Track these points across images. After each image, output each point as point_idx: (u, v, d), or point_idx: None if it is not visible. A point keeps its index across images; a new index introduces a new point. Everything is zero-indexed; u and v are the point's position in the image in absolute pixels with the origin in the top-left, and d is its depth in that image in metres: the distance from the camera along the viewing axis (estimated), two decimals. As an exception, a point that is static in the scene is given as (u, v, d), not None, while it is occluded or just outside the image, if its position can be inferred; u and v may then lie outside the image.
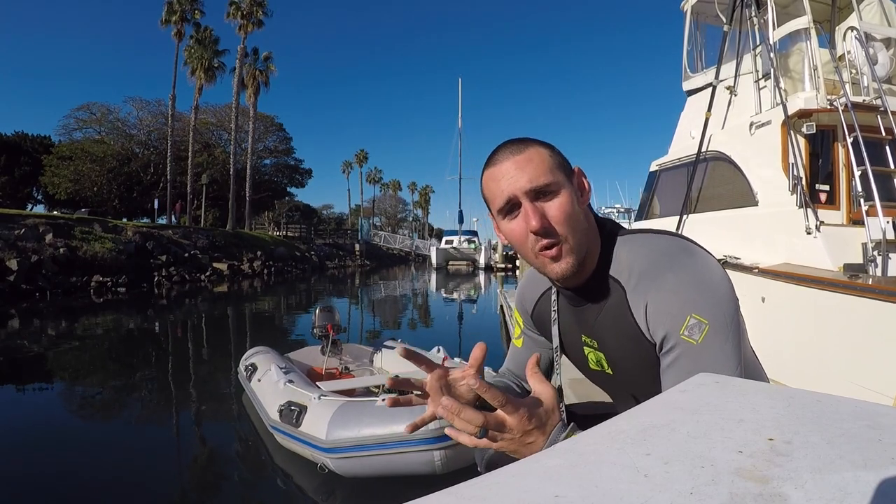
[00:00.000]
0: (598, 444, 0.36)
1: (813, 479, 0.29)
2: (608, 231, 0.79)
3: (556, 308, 0.86)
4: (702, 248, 0.75)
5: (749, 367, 0.78)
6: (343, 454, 2.26)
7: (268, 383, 2.87)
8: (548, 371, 0.96)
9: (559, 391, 0.90)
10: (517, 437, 0.66)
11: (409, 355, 0.76)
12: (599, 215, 0.83)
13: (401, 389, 0.75)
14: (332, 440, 2.26)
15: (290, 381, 2.75)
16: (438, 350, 3.24)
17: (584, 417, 0.94)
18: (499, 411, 0.65)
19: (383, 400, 2.33)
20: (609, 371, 0.83)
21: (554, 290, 0.86)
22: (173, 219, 23.97)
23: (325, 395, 2.52)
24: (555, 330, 0.87)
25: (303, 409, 2.44)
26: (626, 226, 0.87)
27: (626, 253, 0.75)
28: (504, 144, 0.76)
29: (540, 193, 0.72)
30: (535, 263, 0.77)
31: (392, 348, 3.69)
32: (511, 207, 0.74)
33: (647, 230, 0.80)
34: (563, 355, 0.91)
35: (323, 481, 2.39)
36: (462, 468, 2.21)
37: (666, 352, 0.70)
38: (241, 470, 2.80)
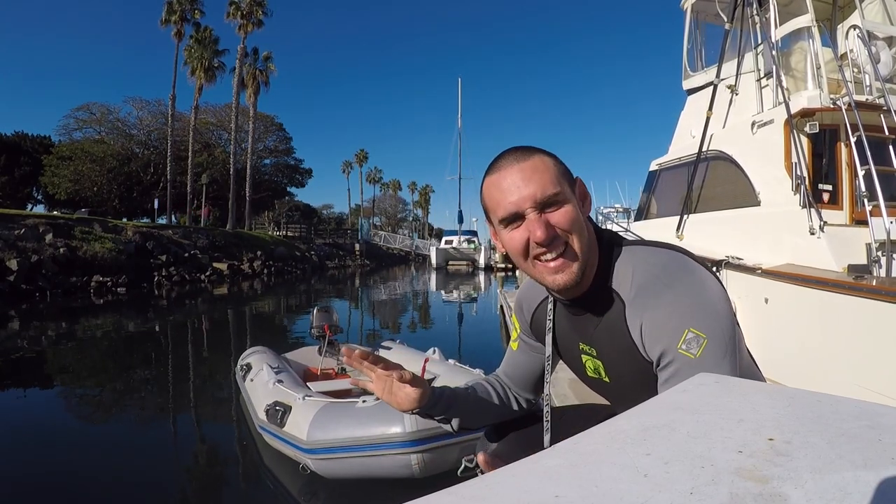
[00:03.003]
0: (598, 444, 0.36)
1: (813, 479, 0.29)
2: (607, 241, 0.78)
3: (551, 318, 0.86)
4: (700, 264, 0.75)
5: (746, 376, 0.78)
6: (323, 455, 2.24)
7: (259, 383, 2.86)
8: (541, 378, 0.97)
9: (546, 399, 0.90)
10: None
11: (359, 358, 0.85)
12: (600, 218, 0.83)
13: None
14: (313, 441, 2.24)
15: (280, 381, 2.73)
16: (434, 352, 3.23)
17: (581, 418, 0.94)
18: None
19: (364, 402, 2.30)
20: (607, 379, 0.83)
21: (550, 299, 0.86)
22: (178, 221, 23.93)
23: (310, 396, 2.50)
24: (548, 339, 0.86)
25: (287, 410, 2.43)
26: (625, 226, 0.87)
27: (627, 265, 0.75)
28: (508, 151, 0.76)
29: (547, 204, 0.71)
30: (533, 273, 0.76)
31: (389, 349, 3.69)
32: (514, 218, 0.73)
33: (648, 242, 0.80)
34: (560, 361, 0.91)
35: (306, 482, 2.38)
36: (441, 472, 2.18)
37: (664, 367, 0.70)
38: (231, 470, 2.80)
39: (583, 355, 0.84)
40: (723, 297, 0.72)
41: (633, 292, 0.73)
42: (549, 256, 0.72)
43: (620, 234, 0.84)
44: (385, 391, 0.86)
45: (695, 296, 0.69)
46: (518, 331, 0.97)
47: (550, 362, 0.88)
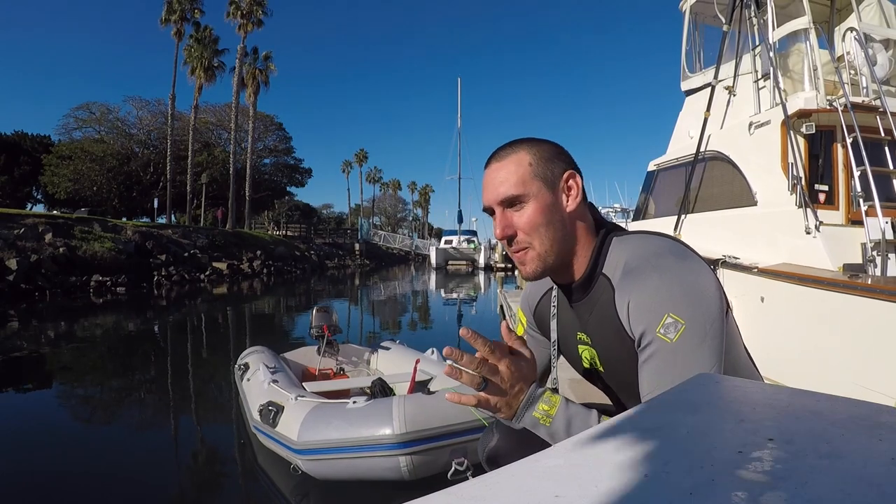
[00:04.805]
0: (598, 444, 0.36)
1: (813, 479, 0.29)
2: (606, 231, 0.81)
3: (555, 304, 0.88)
4: (695, 253, 0.76)
5: (742, 374, 0.79)
6: (313, 456, 2.22)
7: (255, 383, 2.85)
8: (545, 370, 0.98)
9: (554, 383, 0.91)
10: (508, 387, 0.73)
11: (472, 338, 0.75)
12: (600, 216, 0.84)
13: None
14: (303, 441, 2.21)
15: (275, 381, 2.71)
16: (432, 352, 3.21)
17: None
18: (490, 359, 0.73)
19: (354, 402, 2.28)
20: (601, 368, 0.84)
21: (555, 287, 0.88)
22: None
23: (303, 396, 2.48)
24: (553, 325, 0.89)
25: (280, 410, 2.41)
26: (623, 226, 0.88)
27: (619, 252, 0.77)
28: (499, 148, 0.81)
29: (509, 204, 0.77)
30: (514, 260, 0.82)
31: (388, 349, 3.68)
32: (490, 212, 0.80)
33: (644, 231, 0.81)
34: (561, 353, 0.92)
35: (298, 483, 2.37)
36: (431, 475, 2.16)
37: (642, 348, 0.71)
38: (227, 470, 2.80)
39: (580, 345, 0.86)
40: (711, 286, 0.72)
41: (622, 274, 0.74)
42: (512, 249, 0.79)
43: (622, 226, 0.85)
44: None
45: (680, 281, 0.70)
46: (524, 325, 0.99)
47: (556, 347, 0.89)
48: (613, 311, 0.74)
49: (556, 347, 0.89)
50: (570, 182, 0.79)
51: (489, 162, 0.80)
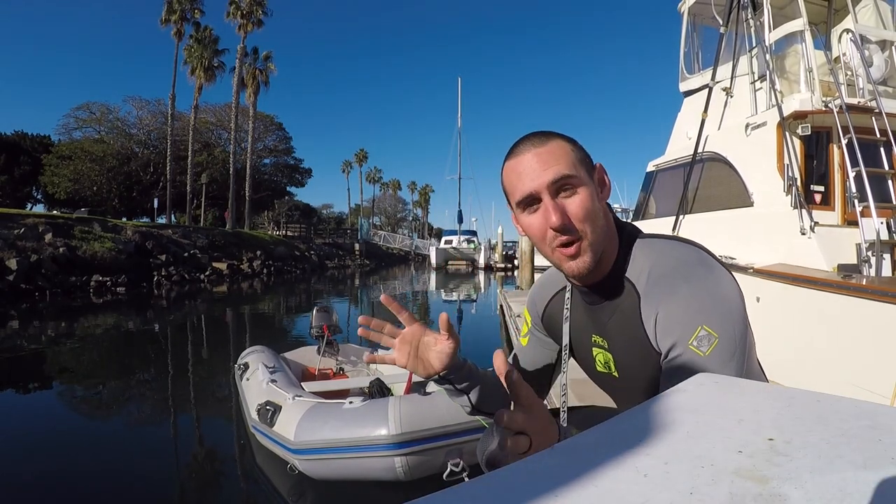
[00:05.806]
0: (598, 444, 0.36)
1: (813, 479, 0.29)
2: (627, 232, 0.78)
3: (568, 306, 0.86)
4: (720, 262, 0.74)
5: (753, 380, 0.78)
6: (309, 456, 2.22)
7: (254, 382, 2.85)
8: (551, 371, 0.96)
9: (563, 389, 0.89)
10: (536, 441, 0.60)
11: (389, 302, 0.84)
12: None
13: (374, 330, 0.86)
14: (300, 441, 2.22)
15: (273, 381, 2.71)
16: None
17: (584, 418, 0.93)
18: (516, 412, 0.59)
19: (350, 402, 2.28)
20: (615, 374, 0.82)
21: (569, 287, 0.86)
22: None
23: (300, 396, 2.48)
24: (565, 328, 0.86)
25: (277, 409, 2.41)
26: None
27: (645, 257, 0.75)
28: (527, 136, 0.75)
29: (561, 189, 0.71)
30: (552, 259, 0.76)
31: (388, 349, 3.68)
32: (531, 202, 0.72)
33: (668, 236, 0.79)
34: (572, 355, 0.89)
35: (295, 482, 2.37)
36: (427, 476, 2.16)
37: (670, 360, 0.69)
38: (226, 469, 2.81)
39: (594, 348, 0.83)
40: (738, 296, 0.71)
41: (649, 284, 0.72)
42: (565, 243, 0.72)
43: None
44: (411, 358, 0.80)
45: (711, 293, 0.69)
46: (529, 325, 0.96)
47: (567, 351, 0.86)
48: (638, 319, 0.72)
49: (566, 352, 0.86)
50: (603, 176, 0.76)
51: (520, 150, 0.73)
